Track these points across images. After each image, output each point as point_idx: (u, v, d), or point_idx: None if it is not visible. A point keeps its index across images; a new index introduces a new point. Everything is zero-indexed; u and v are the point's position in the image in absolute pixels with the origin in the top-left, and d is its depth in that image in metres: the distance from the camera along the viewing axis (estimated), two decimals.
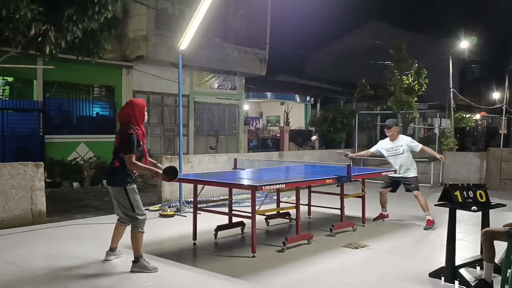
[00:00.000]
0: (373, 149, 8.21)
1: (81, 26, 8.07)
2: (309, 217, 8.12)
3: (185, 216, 8.16)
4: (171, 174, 5.13)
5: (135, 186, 5.13)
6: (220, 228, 6.65)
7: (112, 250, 5.42)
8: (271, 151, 16.19)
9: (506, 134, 25.14)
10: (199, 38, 10.15)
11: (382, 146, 7.93)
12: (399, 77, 16.84)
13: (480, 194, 4.83)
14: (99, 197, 10.76)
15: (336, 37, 28.65)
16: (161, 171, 5.14)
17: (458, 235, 4.86)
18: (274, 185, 5.76)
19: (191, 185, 6.71)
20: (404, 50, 17.12)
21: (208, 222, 6.82)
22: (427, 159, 13.36)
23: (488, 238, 4.36)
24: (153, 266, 5.06)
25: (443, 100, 20.94)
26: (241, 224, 6.88)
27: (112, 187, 5.15)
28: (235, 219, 6.81)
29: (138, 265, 5.02)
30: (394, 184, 7.84)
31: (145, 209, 8.60)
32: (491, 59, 32.56)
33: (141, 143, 5.06)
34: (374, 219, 7.87)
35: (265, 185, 5.55)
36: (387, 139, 7.90)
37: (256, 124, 24.45)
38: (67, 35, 8.07)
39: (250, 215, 5.76)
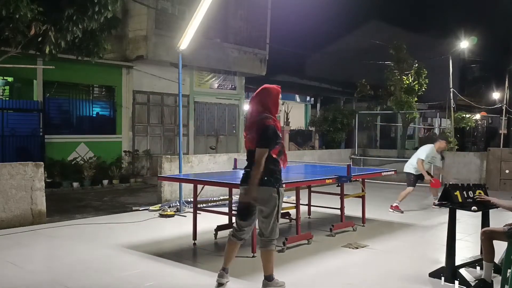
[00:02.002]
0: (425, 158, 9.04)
1: (81, 26, 8.08)
2: (309, 217, 8.12)
3: (185, 216, 8.16)
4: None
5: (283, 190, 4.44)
6: (220, 228, 6.65)
7: (225, 270, 4.59)
8: None
9: (506, 134, 25.11)
10: (199, 38, 10.16)
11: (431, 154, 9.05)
12: (399, 77, 16.83)
13: (480, 194, 4.83)
14: (99, 197, 10.77)
15: (336, 37, 28.64)
16: (254, 196, 4.29)
17: (458, 235, 4.86)
18: None
19: (191, 185, 6.72)
20: (404, 50, 17.11)
21: (208, 222, 6.82)
22: None
23: (488, 238, 4.36)
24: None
25: (443, 100, 20.91)
26: None
27: (260, 188, 4.30)
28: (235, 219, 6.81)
29: (270, 284, 4.41)
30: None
31: (145, 209, 8.71)
32: (491, 59, 32.54)
33: (280, 135, 4.37)
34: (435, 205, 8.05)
35: None
36: (435, 149, 9.06)
37: None
38: (67, 35, 8.07)
39: None
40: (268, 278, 4.40)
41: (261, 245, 4.38)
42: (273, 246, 4.37)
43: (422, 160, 8.86)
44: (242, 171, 4.58)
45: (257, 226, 4.55)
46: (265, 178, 4.26)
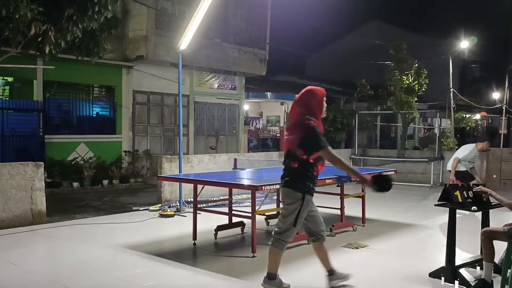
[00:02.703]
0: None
1: (81, 26, 8.07)
2: None
3: (185, 216, 8.16)
4: (381, 185, 4.17)
5: (311, 198, 4.35)
6: (220, 228, 6.65)
7: (331, 273, 4.52)
8: (271, 151, 16.19)
9: (506, 134, 25.10)
10: (199, 38, 10.15)
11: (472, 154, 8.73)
12: (399, 77, 16.83)
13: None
14: (99, 197, 10.77)
15: (336, 37, 28.68)
16: (369, 177, 4.23)
17: (458, 235, 4.86)
18: (274, 185, 5.76)
19: (191, 185, 6.72)
20: (404, 50, 17.11)
21: (208, 222, 6.82)
22: (427, 159, 13.39)
23: (488, 238, 4.36)
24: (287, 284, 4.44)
25: (443, 100, 20.92)
26: (241, 224, 6.88)
27: (283, 189, 4.31)
28: (235, 219, 6.82)
29: (269, 282, 4.38)
30: None
31: (145, 209, 8.71)
32: (491, 59, 32.54)
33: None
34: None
35: (265, 185, 5.56)
36: (476, 149, 8.74)
37: (256, 124, 24.44)
38: (67, 35, 8.06)
39: (250, 215, 5.76)
40: (269, 276, 4.36)
41: (271, 241, 4.35)
42: (281, 247, 4.30)
43: (459, 159, 8.58)
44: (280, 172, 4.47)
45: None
46: (295, 181, 4.22)
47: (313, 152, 4.17)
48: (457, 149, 16.13)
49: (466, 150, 8.78)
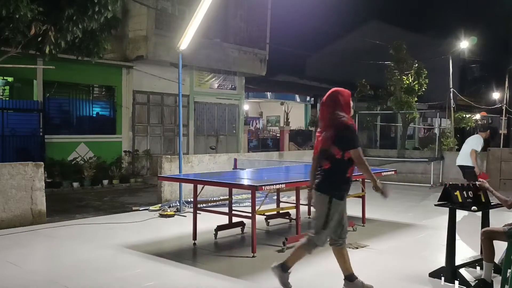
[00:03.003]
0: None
1: (81, 26, 8.07)
2: (309, 217, 8.10)
3: (185, 216, 8.16)
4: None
5: (344, 202, 4.26)
6: (220, 228, 6.65)
7: (350, 279, 4.39)
8: (271, 151, 16.20)
9: (506, 134, 25.09)
10: (199, 38, 10.15)
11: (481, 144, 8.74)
12: (399, 77, 16.84)
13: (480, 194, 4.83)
14: (99, 197, 10.77)
15: (336, 37, 28.67)
16: (381, 185, 4.25)
17: (458, 235, 4.86)
18: (274, 185, 5.76)
19: (191, 185, 6.71)
20: (404, 50, 17.12)
21: (208, 222, 6.82)
22: (427, 159, 13.38)
23: (488, 238, 4.36)
24: None
25: (443, 100, 20.91)
26: (241, 224, 6.88)
27: (314, 192, 4.26)
28: (235, 219, 6.81)
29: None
30: None
31: (145, 209, 8.71)
32: (491, 59, 32.54)
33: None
34: None
35: (265, 185, 5.55)
36: (481, 138, 8.75)
37: (256, 124, 24.45)
38: (67, 35, 8.07)
39: (250, 215, 5.76)
40: (349, 278, 4.32)
41: (305, 238, 4.31)
42: (309, 249, 4.30)
43: (476, 151, 8.50)
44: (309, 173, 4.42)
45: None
46: (324, 183, 4.17)
47: (348, 150, 4.10)
48: (457, 149, 16.20)
49: (477, 141, 8.68)
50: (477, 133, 9.10)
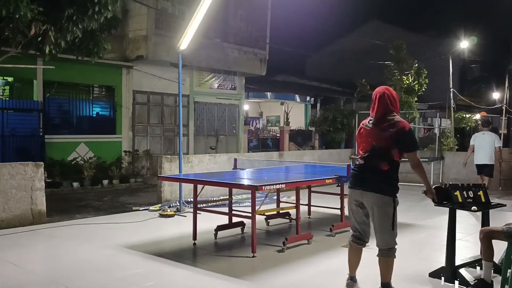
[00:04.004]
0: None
1: (81, 26, 8.07)
2: (309, 217, 8.11)
3: (185, 216, 8.16)
4: (440, 196, 4.53)
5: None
6: (220, 228, 6.65)
7: (353, 279, 4.54)
8: (271, 151, 16.19)
9: (506, 134, 25.10)
10: (199, 38, 10.16)
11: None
12: (399, 77, 16.82)
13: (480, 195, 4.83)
14: (99, 197, 10.77)
15: (336, 37, 28.65)
16: (432, 190, 4.45)
17: (458, 235, 4.86)
18: (274, 185, 5.76)
19: (191, 185, 6.71)
20: (404, 50, 17.10)
21: (208, 222, 6.82)
22: (427, 159, 13.38)
23: (487, 237, 4.36)
24: None
25: (443, 100, 20.91)
26: (241, 224, 6.88)
27: (374, 195, 4.12)
28: (235, 219, 6.82)
29: None
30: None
31: (145, 209, 8.71)
32: (491, 59, 32.55)
33: None
34: None
35: (265, 185, 5.55)
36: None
37: (256, 124, 24.45)
38: (67, 35, 8.07)
39: (250, 215, 5.76)
40: (385, 286, 4.34)
41: (379, 253, 4.33)
42: (393, 254, 4.30)
43: (500, 146, 9.39)
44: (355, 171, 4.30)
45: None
46: (387, 185, 4.11)
47: (408, 152, 4.12)
48: (457, 149, 16.32)
49: (496, 137, 9.55)
50: (485, 130, 9.80)
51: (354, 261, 4.45)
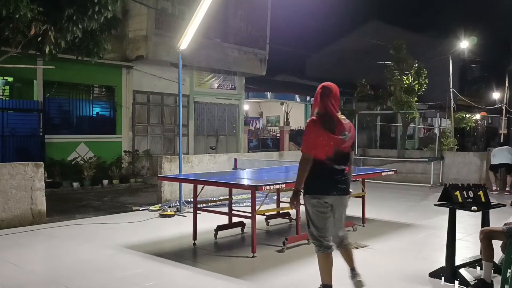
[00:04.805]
0: None
1: (81, 26, 8.07)
2: None
3: (185, 216, 8.16)
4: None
5: None
6: (220, 228, 6.65)
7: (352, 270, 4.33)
8: (271, 151, 16.19)
9: (506, 134, 25.10)
10: (199, 38, 10.15)
11: None
12: (399, 77, 16.83)
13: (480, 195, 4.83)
14: (99, 197, 10.77)
15: (336, 37, 28.67)
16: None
17: (458, 235, 4.86)
18: (274, 185, 5.76)
19: (191, 185, 6.71)
20: (404, 50, 17.12)
21: (208, 222, 6.82)
22: (427, 159, 13.38)
23: (487, 237, 4.36)
24: None
25: (443, 100, 20.92)
26: (241, 224, 6.88)
27: (347, 197, 4.19)
28: (235, 219, 6.82)
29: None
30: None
31: (145, 209, 8.71)
32: (491, 59, 32.55)
33: None
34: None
35: (265, 185, 5.56)
36: None
37: (256, 124, 24.45)
38: (67, 35, 8.06)
39: (250, 215, 5.76)
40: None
41: (345, 239, 4.40)
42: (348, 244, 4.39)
43: None
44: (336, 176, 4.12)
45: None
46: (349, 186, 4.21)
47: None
48: (457, 149, 16.62)
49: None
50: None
51: (331, 267, 4.22)
